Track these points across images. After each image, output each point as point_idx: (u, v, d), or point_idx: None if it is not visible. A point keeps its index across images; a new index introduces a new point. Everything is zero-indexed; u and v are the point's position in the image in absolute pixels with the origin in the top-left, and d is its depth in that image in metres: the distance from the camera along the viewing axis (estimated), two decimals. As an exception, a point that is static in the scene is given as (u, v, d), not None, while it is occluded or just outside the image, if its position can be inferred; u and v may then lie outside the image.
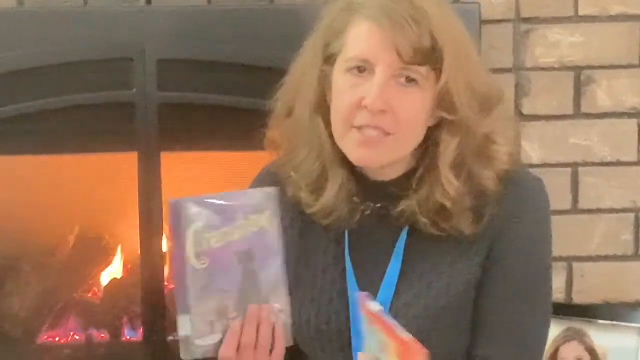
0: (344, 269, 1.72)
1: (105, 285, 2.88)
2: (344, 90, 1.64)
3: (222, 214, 1.55)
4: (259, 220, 1.58)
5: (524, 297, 1.69)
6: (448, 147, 1.65)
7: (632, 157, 2.73)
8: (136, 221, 2.61)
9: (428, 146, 1.67)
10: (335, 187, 1.70)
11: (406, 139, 1.65)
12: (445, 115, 1.64)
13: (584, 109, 2.71)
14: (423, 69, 1.61)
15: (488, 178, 1.67)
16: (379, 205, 1.71)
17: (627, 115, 2.72)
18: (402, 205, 1.68)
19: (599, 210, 2.74)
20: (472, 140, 1.66)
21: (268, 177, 1.80)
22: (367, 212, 1.72)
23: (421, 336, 1.60)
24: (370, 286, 1.68)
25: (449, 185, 1.64)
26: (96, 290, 2.89)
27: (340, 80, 1.65)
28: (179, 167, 2.70)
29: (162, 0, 2.62)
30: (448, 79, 1.62)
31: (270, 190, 1.61)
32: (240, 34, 2.54)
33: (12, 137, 2.60)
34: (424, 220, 1.67)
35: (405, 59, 1.60)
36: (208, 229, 1.54)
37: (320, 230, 1.74)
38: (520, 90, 2.69)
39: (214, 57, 2.55)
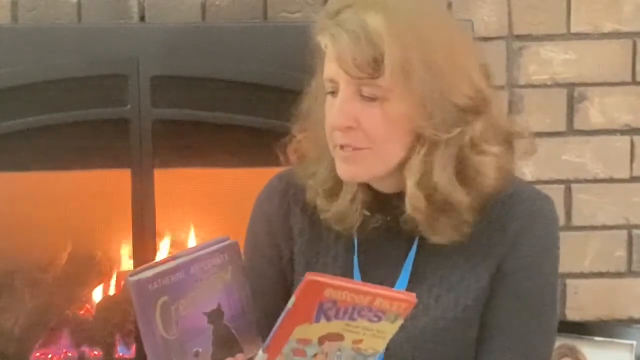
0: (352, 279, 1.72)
1: (99, 303, 2.87)
2: (326, 112, 1.67)
3: (185, 281, 1.52)
4: (223, 277, 1.56)
5: (530, 314, 1.70)
6: (417, 157, 1.63)
7: (625, 174, 2.74)
8: (130, 238, 2.60)
9: None
10: (348, 196, 1.71)
11: (384, 151, 1.64)
12: (409, 125, 1.62)
13: (577, 126, 2.72)
14: (382, 81, 1.60)
15: (459, 193, 1.64)
16: (389, 218, 1.72)
17: (620, 132, 2.73)
18: (405, 215, 1.68)
19: (592, 227, 2.74)
20: (443, 151, 1.63)
21: (280, 185, 1.81)
22: (377, 224, 1.72)
23: (428, 348, 1.62)
24: None
25: (414, 198, 1.64)
26: (89, 307, 2.88)
27: (326, 102, 1.68)
28: (173, 184, 2.70)
29: (156, 17, 2.63)
30: (392, 89, 1.60)
31: (229, 243, 1.58)
32: (235, 51, 2.55)
33: (5, 154, 2.60)
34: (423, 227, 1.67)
35: (351, 73, 1.60)
36: (174, 300, 1.51)
37: (330, 239, 1.75)
38: (513, 108, 2.70)
39: (208, 74, 2.56)
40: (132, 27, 2.61)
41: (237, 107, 2.56)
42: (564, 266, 2.69)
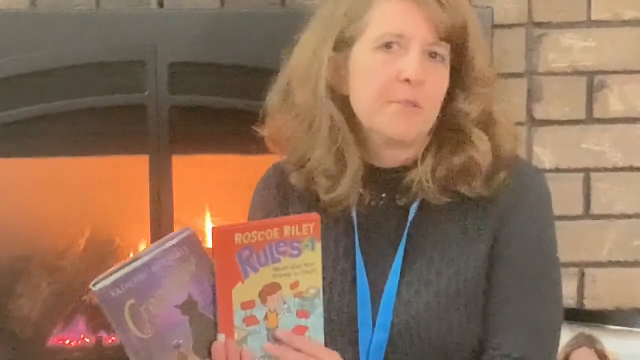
0: (354, 261, 1.74)
1: (116, 289, 2.88)
2: (375, 67, 1.68)
3: (148, 281, 1.52)
4: (188, 269, 1.55)
5: (531, 285, 1.71)
6: (472, 111, 1.70)
7: (645, 163, 2.73)
8: (147, 224, 2.61)
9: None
10: (351, 175, 1.72)
11: (432, 113, 1.70)
12: (470, 87, 1.71)
13: (597, 114, 2.71)
14: (448, 46, 1.67)
15: (505, 139, 1.73)
16: (383, 194, 1.74)
17: (640, 120, 2.72)
18: (411, 175, 1.71)
19: (611, 216, 2.73)
20: (487, 109, 1.72)
21: (275, 174, 1.84)
22: (373, 202, 1.74)
23: (433, 324, 1.66)
24: (380, 277, 1.72)
25: (479, 141, 1.69)
26: (107, 293, 2.89)
27: (368, 59, 1.68)
28: (190, 170, 2.70)
29: (174, 3, 2.63)
30: (474, 54, 1.70)
31: (186, 235, 1.57)
32: (252, 37, 2.55)
33: (24, 140, 2.61)
34: (432, 186, 1.70)
35: (441, 35, 1.66)
36: (141, 302, 1.51)
37: (330, 222, 1.75)
38: (532, 95, 2.69)
39: (225, 60, 2.56)
40: (150, 14, 2.62)
41: (254, 93, 2.55)
42: (582, 254, 2.71)
